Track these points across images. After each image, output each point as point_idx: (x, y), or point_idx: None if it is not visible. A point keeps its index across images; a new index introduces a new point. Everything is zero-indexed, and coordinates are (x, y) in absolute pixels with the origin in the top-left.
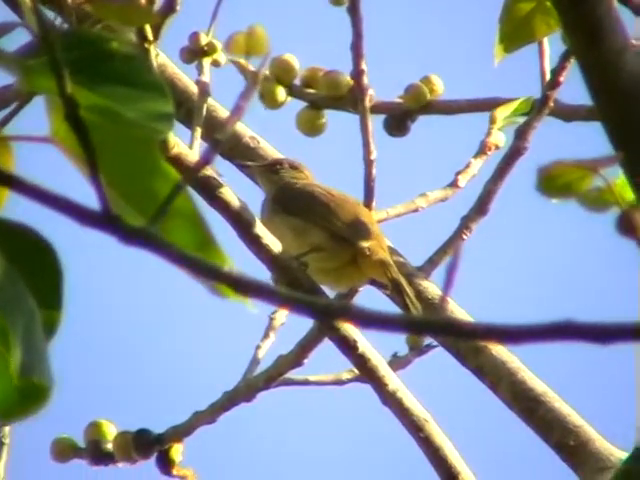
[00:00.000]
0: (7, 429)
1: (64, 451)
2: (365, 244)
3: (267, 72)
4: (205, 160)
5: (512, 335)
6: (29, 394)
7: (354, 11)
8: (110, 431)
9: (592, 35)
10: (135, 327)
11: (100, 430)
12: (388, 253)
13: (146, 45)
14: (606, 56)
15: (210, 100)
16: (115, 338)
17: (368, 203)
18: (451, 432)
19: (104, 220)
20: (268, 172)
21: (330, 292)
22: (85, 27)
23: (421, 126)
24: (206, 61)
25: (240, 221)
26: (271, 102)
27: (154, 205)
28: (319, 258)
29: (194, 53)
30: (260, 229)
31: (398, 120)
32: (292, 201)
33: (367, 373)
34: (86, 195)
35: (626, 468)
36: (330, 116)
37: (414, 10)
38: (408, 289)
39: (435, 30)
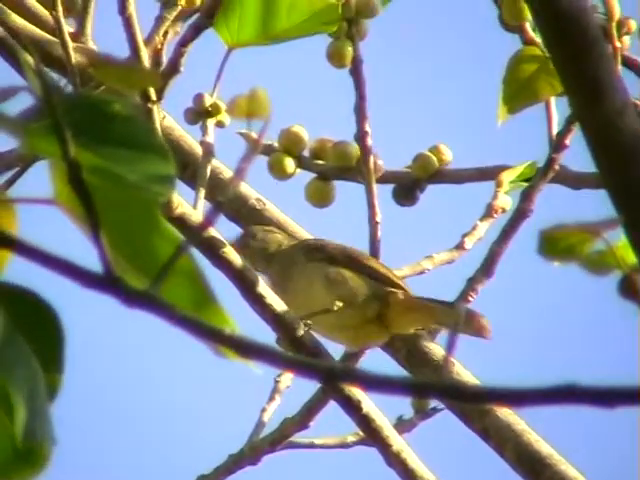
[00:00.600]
0: None
1: None
2: (404, 285)
3: (276, 143)
4: (208, 221)
5: (516, 398)
6: (28, 457)
7: (356, 73)
8: None
9: (592, 94)
10: (138, 389)
11: None
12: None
13: (149, 106)
14: (607, 115)
15: (215, 161)
16: (117, 400)
17: None
18: None
19: (106, 282)
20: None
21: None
22: (87, 89)
23: (429, 193)
24: (210, 122)
25: (243, 280)
26: (280, 173)
27: (156, 266)
28: (341, 316)
29: (198, 114)
30: (263, 288)
31: (407, 190)
32: (336, 252)
33: (371, 434)
34: (89, 256)
35: None
36: (339, 186)
37: (418, 76)
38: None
39: (441, 97)
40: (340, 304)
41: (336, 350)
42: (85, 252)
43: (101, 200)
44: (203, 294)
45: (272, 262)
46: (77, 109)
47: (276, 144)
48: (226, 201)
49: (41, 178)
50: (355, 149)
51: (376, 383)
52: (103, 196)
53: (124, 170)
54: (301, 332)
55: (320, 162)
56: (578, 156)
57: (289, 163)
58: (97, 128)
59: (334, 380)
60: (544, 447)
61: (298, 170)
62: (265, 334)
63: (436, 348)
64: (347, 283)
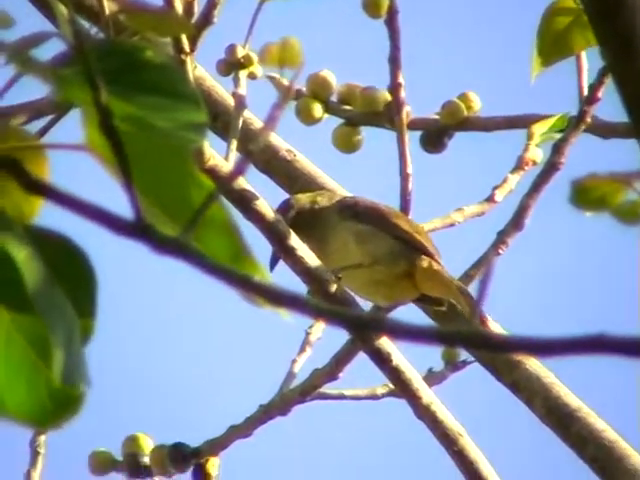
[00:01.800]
0: (42, 438)
1: (102, 464)
2: (436, 255)
3: (304, 88)
4: (239, 170)
5: (545, 348)
6: (63, 401)
7: (392, 24)
8: (147, 445)
9: (626, 48)
10: (171, 339)
11: (137, 443)
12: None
13: (183, 57)
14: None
15: (246, 113)
16: (151, 351)
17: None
18: (485, 447)
19: (137, 229)
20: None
21: (367, 305)
22: (120, 37)
23: (458, 143)
24: (242, 74)
25: (275, 233)
26: (307, 118)
27: (188, 214)
28: (372, 271)
29: (231, 65)
30: (295, 241)
31: (435, 136)
32: (366, 210)
33: (401, 386)
34: (120, 204)
35: None
36: (367, 133)
37: (451, 26)
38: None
39: (472, 46)
40: (371, 259)
41: (367, 307)
42: (116, 200)
43: (132, 147)
44: (236, 244)
45: (311, 228)
46: (109, 56)
47: (304, 89)
48: (257, 150)
49: (74, 127)
50: (383, 95)
51: (405, 332)
52: (134, 143)
53: (156, 117)
54: (333, 286)
55: (348, 107)
56: (608, 106)
57: (317, 108)
58: (129, 75)
59: (364, 329)
60: (573, 400)
61: (326, 115)
62: (296, 288)
63: None
64: (377, 240)
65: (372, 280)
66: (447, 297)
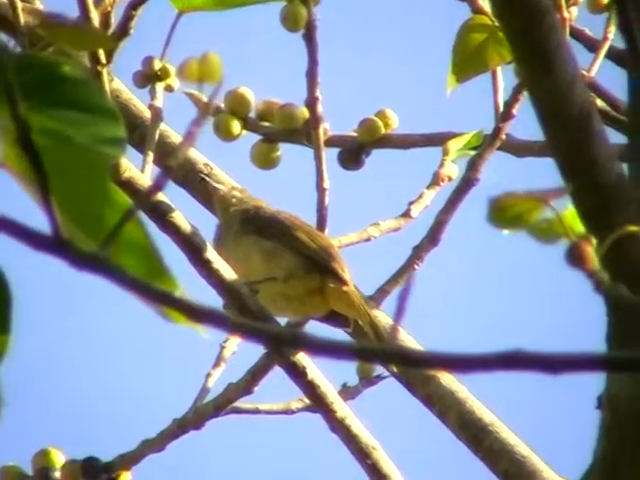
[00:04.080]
0: None
1: (11, 479)
2: (343, 273)
3: (222, 104)
4: (157, 186)
5: (462, 364)
6: None
7: (310, 38)
8: (58, 459)
9: (543, 65)
10: (84, 353)
11: (48, 458)
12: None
13: (99, 68)
14: (556, 87)
15: (163, 125)
16: (63, 364)
17: (320, 231)
18: (400, 460)
19: (56, 244)
20: (232, 193)
21: (280, 319)
22: (37, 51)
23: (375, 159)
24: (159, 86)
25: (191, 246)
26: (226, 135)
27: (104, 231)
28: (284, 286)
29: (147, 78)
30: (211, 254)
31: (352, 154)
32: (267, 224)
33: (316, 400)
34: (36, 221)
35: None
36: (285, 149)
37: (368, 42)
38: (379, 324)
39: (390, 63)
40: (283, 273)
41: (282, 322)
42: (31, 216)
43: (49, 163)
44: (153, 261)
45: (222, 221)
46: (26, 70)
47: (222, 105)
48: (176, 166)
49: None
50: (302, 112)
51: (323, 348)
52: (51, 159)
53: (74, 132)
54: (251, 299)
55: (266, 124)
56: (522, 124)
57: (235, 125)
58: (47, 90)
59: (282, 345)
60: (486, 414)
61: (244, 132)
62: (212, 302)
63: (381, 315)
64: (283, 256)
65: (283, 295)
66: (354, 317)
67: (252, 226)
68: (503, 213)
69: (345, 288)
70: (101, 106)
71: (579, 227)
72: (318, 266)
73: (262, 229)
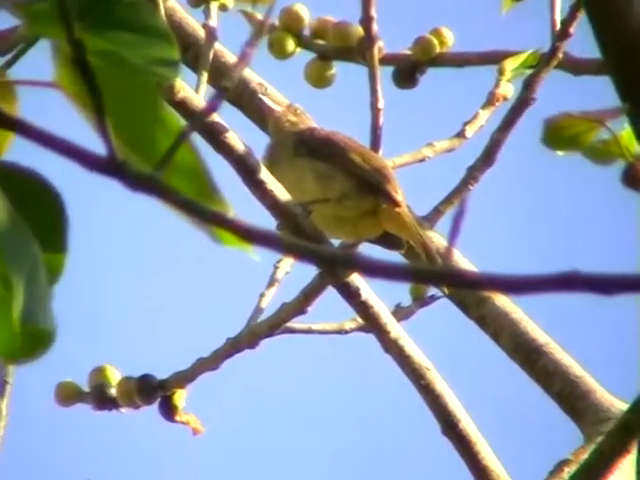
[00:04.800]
0: (11, 368)
1: (68, 395)
2: (396, 195)
3: (276, 22)
4: (212, 107)
5: (518, 285)
6: (32, 338)
7: None
8: (114, 376)
9: None
10: (140, 274)
11: (104, 375)
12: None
13: None
14: (614, 6)
15: (217, 45)
16: (120, 285)
17: (375, 152)
18: (453, 381)
19: (111, 166)
20: (288, 114)
21: (333, 241)
22: None
23: (430, 78)
24: (213, 5)
25: (245, 166)
26: (280, 52)
27: (157, 153)
28: (338, 207)
29: None
30: (265, 175)
31: (407, 72)
32: (320, 145)
33: (369, 320)
34: (89, 144)
35: (626, 418)
36: (339, 68)
37: None
38: (431, 246)
39: None
40: (337, 195)
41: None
42: (85, 139)
43: (103, 85)
44: (204, 183)
45: (272, 158)
46: None
47: (276, 23)
48: (231, 86)
49: (40, 61)
50: (356, 30)
51: (378, 269)
52: (105, 81)
53: (129, 53)
54: (304, 220)
55: (321, 42)
56: (580, 42)
57: (289, 42)
58: (101, 11)
59: (336, 266)
60: (540, 335)
61: (298, 50)
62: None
63: (435, 236)
64: (338, 178)
65: (336, 217)
66: (407, 238)
67: (305, 147)
68: (559, 134)
69: (398, 209)
70: (155, 27)
71: (636, 148)
72: (371, 187)
73: (315, 150)
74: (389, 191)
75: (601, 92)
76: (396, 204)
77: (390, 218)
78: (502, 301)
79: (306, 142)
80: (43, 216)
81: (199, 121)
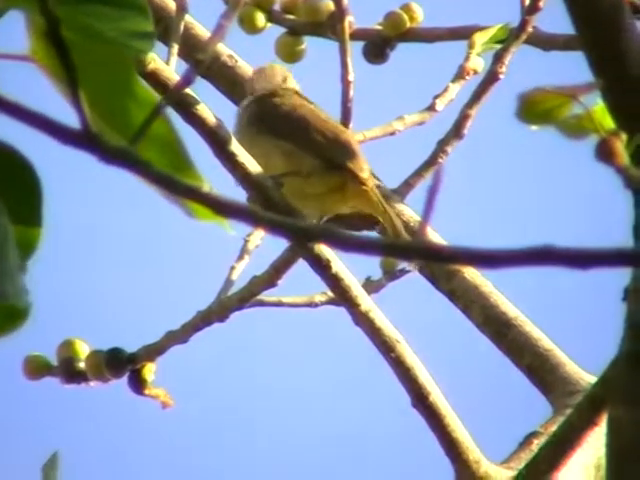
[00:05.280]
0: None
1: (36, 369)
2: (361, 173)
3: None
4: (186, 81)
5: (492, 259)
6: (3, 314)
7: None
8: (83, 350)
9: None
10: (108, 246)
11: (73, 349)
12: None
13: None
14: None
15: (188, 17)
16: (88, 257)
17: (345, 125)
18: (423, 354)
19: (85, 138)
20: (260, 76)
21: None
22: None
23: (400, 53)
24: None
25: (216, 138)
26: (250, 27)
27: (132, 126)
28: (305, 182)
29: None
30: (235, 147)
31: (377, 47)
32: (281, 123)
33: (340, 293)
34: (63, 116)
35: (594, 392)
36: (309, 43)
37: None
38: (397, 222)
39: None
40: (305, 171)
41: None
42: (59, 112)
43: (78, 58)
44: (178, 156)
45: (238, 112)
46: None
47: None
48: (206, 60)
49: (12, 32)
50: (326, 4)
51: (353, 243)
52: (80, 54)
53: (104, 26)
54: (275, 192)
55: (291, 17)
56: (549, 17)
57: (260, 17)
58: None
59: (311, 239)
60: (510, 309)
61: (269, 25)
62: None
63: (406, 209)
64: (303, 156)
65: (303, 192)
66: (374, 214)
67: (264, 124)
68: (532, 108)
69: (364, 187)
70: (130, 1)
71: (609, 123)
72: (337, 165)
73: (276, 128)
74: (353, 170)
75: (572, 67)
76: (361, 182)
77: (356, 195)
78: (472, 275)
79: (265, 118)
80: (16, 190)
81: (174, 94)
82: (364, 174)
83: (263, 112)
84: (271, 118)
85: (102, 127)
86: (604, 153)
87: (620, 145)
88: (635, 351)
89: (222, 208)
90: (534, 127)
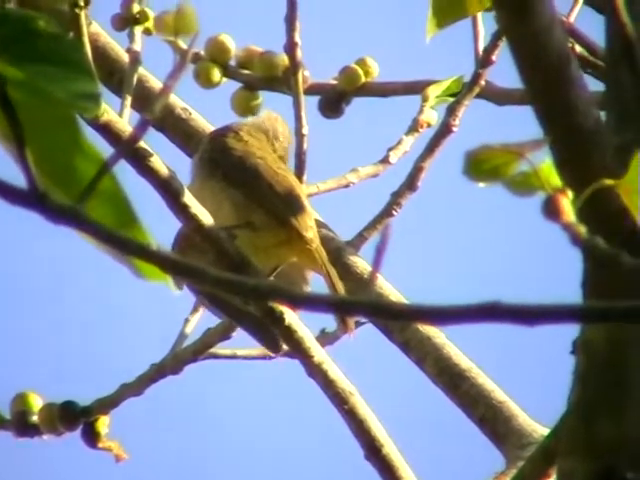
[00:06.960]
0: None
1: None
2: (305, 232)
3: (202, 52)
4: (137, 135)
5: (441, 316)
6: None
7: None
8: (36, 403)
9: (520, 10)
10: (63, 298)
11: (26, 401)
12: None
13: (77, 11)
14: (534, 31)
15: (141, 69)
16: (42, 310)
17: (299, 177)
18: (376, 406)
19: (32, 198)
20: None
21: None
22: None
23: (355, 107)
24: (137, 29)
25: (169, 190)
26: (206, 82)
27: (80, 184)
28: (254, 235)
29: (125, 21)
30: (189, 198)
31: (333, 102)
32: (235, 171)
33: (293, 345)
34: (10, 175)
35: (547, 443)
36: (265, 97)
37: None
38: (339, 284)
39: (369, 9)
40: (255, 224)
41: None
42: (5, 171)
43: (24, 117)
44: (124, 211)
45: (195, 175)
46: (2, 24)
47: (202, 52)
48: (156, 113)
49: None
50: (282, 59)
51: (302, 300)
52: (26, 113)
53: (51, 86)
54: (228, 244)
55: (247, 72)
56: (504, 72)
57: (215, 72)
58: (22, 44)
59: (261, 297)
60: (463, 360)
61: (224, 79)
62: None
63: (359, 261)
64: (252, 208)
65: (254, 245)
66: (317, 273)
67: (218, 171)
68: (479, 166)
69: (307, 246)
70: (77, 61)
71: (556, 180)
72: (283, 221)
73: (229, 176)
74: (298, 229)
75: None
76: (305, 242)
77: (300, 252)
78: (425, 326)
79: (219, 163)
80: None
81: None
82: (308, 233)
83: (214, 156)
84: (223, 164)
85: (50, 186)
86: (551, 210)
87: (567, 202)
88: (583, 401)
89: (173, 267)
90: (481, 184)
